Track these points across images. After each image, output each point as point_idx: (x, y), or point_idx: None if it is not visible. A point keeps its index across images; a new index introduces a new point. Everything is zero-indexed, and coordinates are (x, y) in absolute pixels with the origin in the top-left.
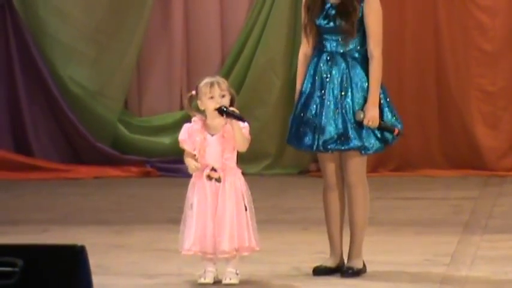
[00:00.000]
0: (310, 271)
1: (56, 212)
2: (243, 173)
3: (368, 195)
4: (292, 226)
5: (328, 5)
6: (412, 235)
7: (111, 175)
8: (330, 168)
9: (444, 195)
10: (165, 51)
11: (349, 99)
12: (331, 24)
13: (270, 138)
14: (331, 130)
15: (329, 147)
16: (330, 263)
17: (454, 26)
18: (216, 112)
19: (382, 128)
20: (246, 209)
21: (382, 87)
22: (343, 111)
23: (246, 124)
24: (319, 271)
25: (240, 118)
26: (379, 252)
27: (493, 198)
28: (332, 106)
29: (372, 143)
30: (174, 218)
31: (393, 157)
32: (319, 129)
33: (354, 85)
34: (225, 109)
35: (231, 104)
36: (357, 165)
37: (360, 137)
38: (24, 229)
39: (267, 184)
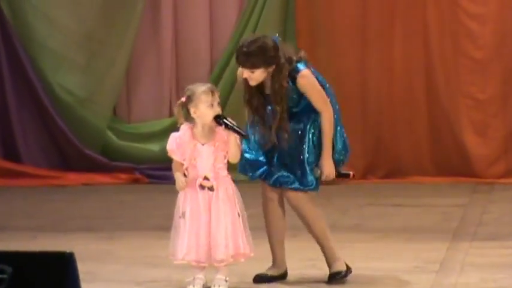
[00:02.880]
0: (300, 278)
1: (44, 218)
2: (232, 180)
3: (314, 208)
4: None
5: (267, 97)
6: (402, 242)
7: (100, 182)
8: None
9: (433, 202)
10: (155, 58)
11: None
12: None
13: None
14: (283, 170)
15: (278, 185)
16: (272, 271)
17: (444, 34)
18: (213, 121)
19: (339, 177)
20: (239, 215)
21: (338, 113)
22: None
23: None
24: (260, 279)
25: (239, 132)
26: (368, 258)
27: (483, 206)
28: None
29: (311, 180)
30: (163, 224)
31: (383, 164)
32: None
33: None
34: (224, 120)
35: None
36: (297, 194)
37: (302, 178)
38: (13, 236)
39: (256, 191)
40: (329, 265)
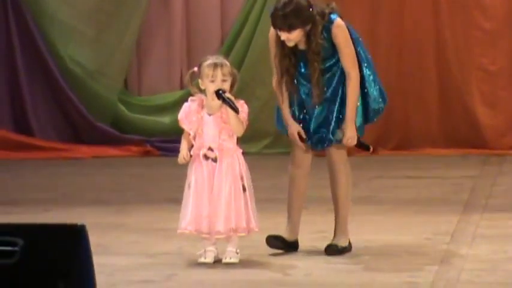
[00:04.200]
0: (311, 249)
1: (56, 191)
2: (243, 153)
3: (350, 173)
4: None
5: (300, 53)
6: (412, 214)
7: (111, 154)
8: (301, 149)
9: (444, 174)
10: (165, 30)
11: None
12: (304, 70)
13: (270, 117)
14: (322, 130)
15: (319, 146)
16: (286, 235)
17: (454, 5)
18: (214, 94)
19: (360, 146)
20: (244, 190)
21: (370, 63)
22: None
23: (245, 108)
24: (274, 239)
25: (234, 108)
26: (379, 231)
27: (493, 177)
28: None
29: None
30: (174, 197)
31: (393, 136)
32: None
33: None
34: (222, 94)
35: (233, 85)
36: (339, 147)
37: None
38: (24, 209)
39: (267, 163)
40: (334, 235)
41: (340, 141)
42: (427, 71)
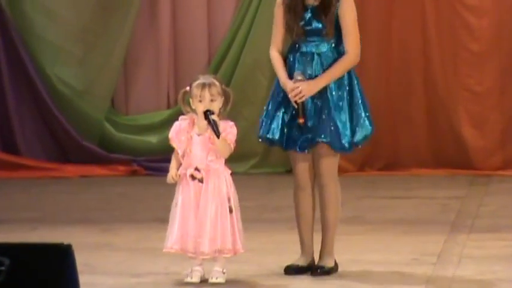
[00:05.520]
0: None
1: (43, 210)
2: (230, 173)
3: (340, 195)
4: (280, 225)
5: (307, 7)
6: (399, 234)
7: (98, 174)
8: (301, 167)
9: (431, 195)
10: (152, 50)
11: (328, 95)
12: (309, 27)
13: (257, 137)
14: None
15: (306, 149)
16: (302, 261)
17: (442, 26)
18: (202, 115)
19: (299, 107)
20: (231, 211)
21: (359, 87)
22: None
23: (234, 130)
24: (291, 270)
25: (215, 131)
26: (366, 251)
27: (480, 198)
28: (310, 104)
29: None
30: (161, 216)
31: (381, 156)
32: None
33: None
34: (209, 116)
35: (226, 104)
36: (329, 165)
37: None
38: (11, 228)
39: (255, 183)
40: (320, 256)
41: (295, 81)
42: (415, 92)
